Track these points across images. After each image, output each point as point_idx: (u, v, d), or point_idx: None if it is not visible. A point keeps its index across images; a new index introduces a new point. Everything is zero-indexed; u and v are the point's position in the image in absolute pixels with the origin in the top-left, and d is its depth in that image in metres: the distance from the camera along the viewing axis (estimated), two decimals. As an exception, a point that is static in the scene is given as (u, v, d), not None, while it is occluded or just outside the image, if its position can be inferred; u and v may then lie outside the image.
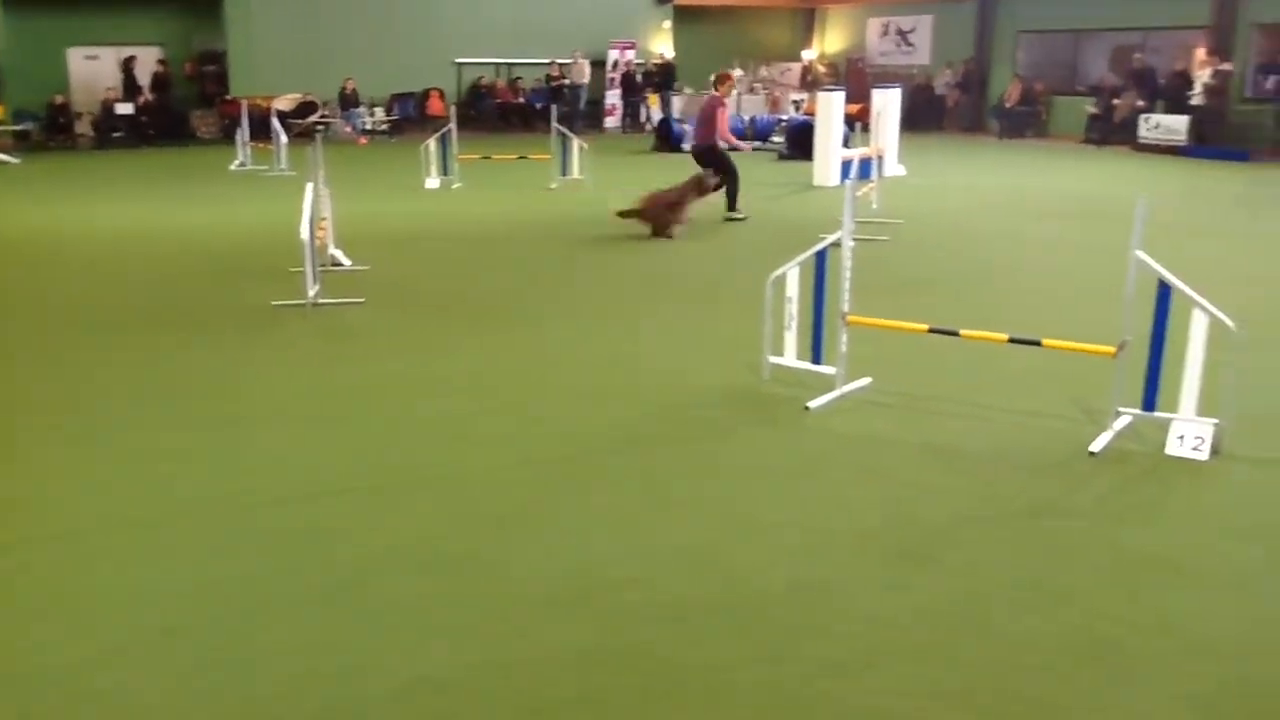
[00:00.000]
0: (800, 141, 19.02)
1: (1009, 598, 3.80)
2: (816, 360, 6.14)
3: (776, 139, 21.72)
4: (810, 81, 28.80)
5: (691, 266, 9.95)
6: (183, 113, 24.40)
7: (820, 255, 6.08)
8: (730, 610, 3.71)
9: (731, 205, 12.65)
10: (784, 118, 23.17)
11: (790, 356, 6.23)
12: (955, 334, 5.92)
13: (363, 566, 4.03)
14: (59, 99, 23.37)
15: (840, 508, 4.58)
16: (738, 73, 27.51)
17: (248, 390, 6.25)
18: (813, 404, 5.79)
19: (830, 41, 31.01)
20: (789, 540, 4.27)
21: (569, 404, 5.97)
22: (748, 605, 3.74)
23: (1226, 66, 20.57)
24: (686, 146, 17.50)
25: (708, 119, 12.67)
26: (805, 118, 21.03)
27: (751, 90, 27.65)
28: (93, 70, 24.33)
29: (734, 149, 12.86)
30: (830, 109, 16.02)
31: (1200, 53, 21.13)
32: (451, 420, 5.72)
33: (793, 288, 6.17)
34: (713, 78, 13.39)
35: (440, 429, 5.59)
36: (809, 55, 30.66)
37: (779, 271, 6.18)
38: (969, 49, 26.66)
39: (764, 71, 29.09)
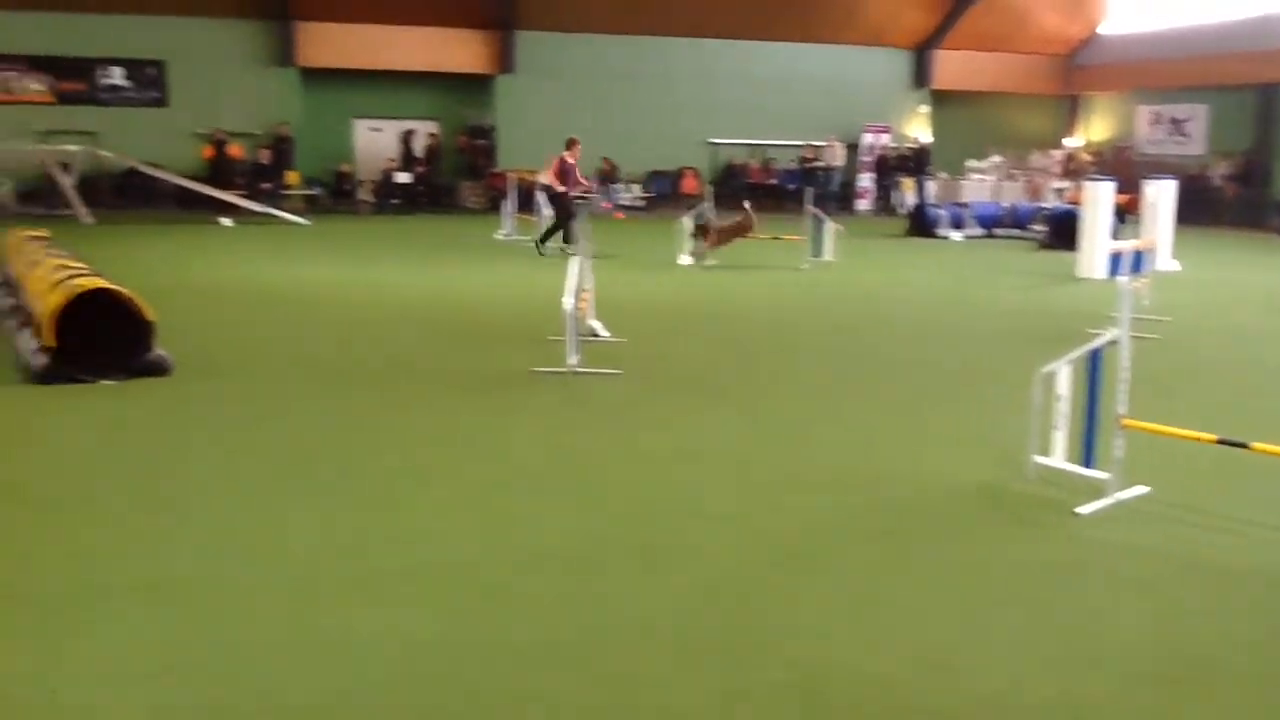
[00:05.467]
0: (1062, 231, 18.38)
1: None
2: (1087, 464, 5.84)
3: (1037, 227, 21.04)
4: (1073, 170, 27.86)
5: (945, 354, 9.71)
6: (451, 184, 25.86)
7: (1094, 353, 5.82)
8: (990, 724, 3.53)
9: (544, 239, 16.58)
10: (1045, 206, 22.45)
11: (1059, 457, 5.95)
12: (1245, 446, 5.52)
13: (587, 639, 4.05)
14: (345, 167, 25.24)
15: (1104, 622, 4.31)
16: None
17: (502, 452, 6.47)
18: (1083, 509, 5.50)
19: (1095, 129, 29.95)
20: (1047, 652, 4.04)
21: (812, 489, 5.89)
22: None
23: None
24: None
25: (558, 173, 16.72)
26: (1068, 207, 20.32)
27: (1010, 177, 26.97)
28: (375, 141, 26.19)
29: (583, 197, 16.81)
30: (1099, 199, 15.41)
31: None
32: (688, 497, 5.74)
33: (1063, 386, 5.91)
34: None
35: (676, 505, 5.61)
36: (1072, 143, 29.70)
37: (1049, 367, 5.94)
38: (1248, 140, 25.18)
39: (1033, 158, 28.27)
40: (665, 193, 26.42)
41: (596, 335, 9.80)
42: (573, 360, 8.29)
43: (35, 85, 24.03)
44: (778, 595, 4.51)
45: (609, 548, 5.00)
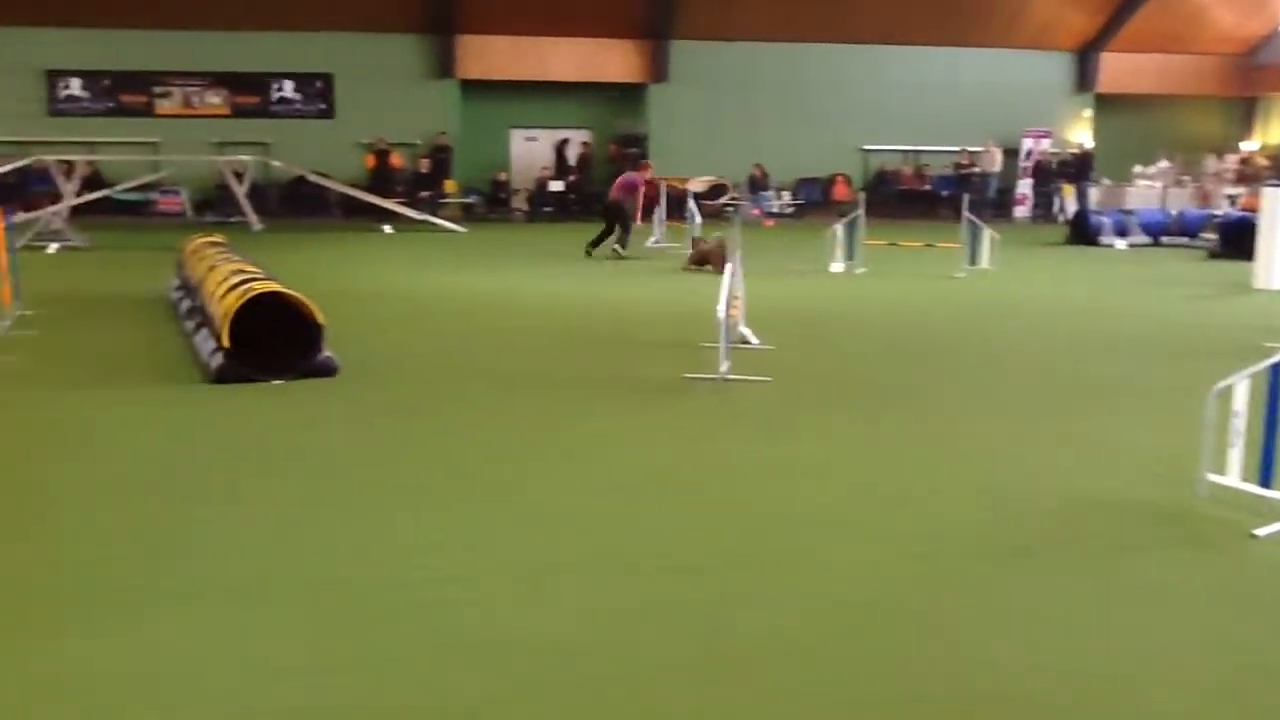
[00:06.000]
0: (1235, 239, 17.57)
1: None
2: (1266, 484, 5.56)
3: (1207, 235, 20.15)
4: (1249, 175, 26.57)
5: (1107, 367, 9.37)
6: (603, 192, 26.08)
7: (1275, 368, 5.53)
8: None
9: (621, 243, 17.70)
10: (1216, 213, 21.48)
11: (1234, 476, 5.68)
12: None
13: (715, 648, 4.02)
14: (501, 176, 25.82)
15: (1276, 648, 4.10)
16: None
17: (652, 458, 6.50)
18: (1261, 531, 5.24)
19: (1275, 132, 28.50)
20: (1214, 677, 3.85)
21: (964, 502, 5.74)
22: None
23: None
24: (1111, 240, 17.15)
25: (629, 187, 18.00)
26: (1243, 214, 19.40)
27: (1178, 183, 25.88)
28: (530, 151, 26.71)
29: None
30: (1276, 205, 14.66)
31: None
32: (827, 507, 5.67)
33: (1240, 401, 5.64)
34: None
35: (814, 514, 5.55)
36: (1248, 147, 28.32)
37: (1225, 382, 5.67)
38: None
39: (1206, 163, 27.05)
40: (815, 199, 26.22)
41: (747, 342, 9.78)
42: (724, 367, 8.30)
43: (213, 99, 25.31)
44: (926, 611, 4.40)
45: (743, 556, 4.96)
